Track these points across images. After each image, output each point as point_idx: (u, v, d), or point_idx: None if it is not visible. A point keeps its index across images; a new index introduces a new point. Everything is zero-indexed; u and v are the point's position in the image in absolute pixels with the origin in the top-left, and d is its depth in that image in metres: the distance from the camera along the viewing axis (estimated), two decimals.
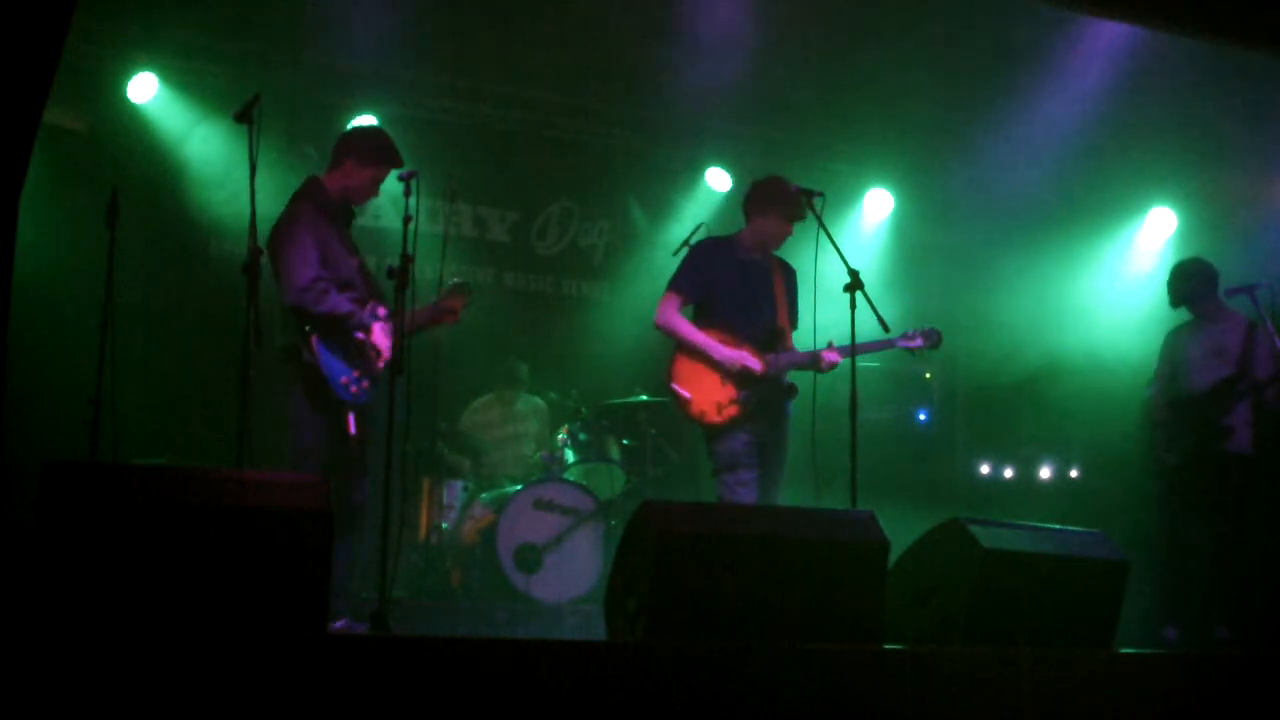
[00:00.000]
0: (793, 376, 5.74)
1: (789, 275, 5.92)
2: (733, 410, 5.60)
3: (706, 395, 5.64)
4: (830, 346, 5.63)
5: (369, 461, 5.40)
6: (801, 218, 5.70)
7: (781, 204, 5.75)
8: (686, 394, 5.67)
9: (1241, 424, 6.57)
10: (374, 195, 5.55)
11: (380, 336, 5.32)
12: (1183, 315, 6.91)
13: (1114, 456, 8.16)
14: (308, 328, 5.18)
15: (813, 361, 5.65)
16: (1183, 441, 6.64)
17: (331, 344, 5.23)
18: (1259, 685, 4.28)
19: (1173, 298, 6.88)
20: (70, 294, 6.58)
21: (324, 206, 5.41)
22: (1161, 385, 6.91)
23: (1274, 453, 6.63)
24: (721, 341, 5.66)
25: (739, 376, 5.61)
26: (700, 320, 5.78)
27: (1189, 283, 6.82)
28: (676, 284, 5.79)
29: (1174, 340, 6.94)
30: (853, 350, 5.33)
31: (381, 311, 5.39)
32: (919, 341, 5.75)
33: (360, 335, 5.28)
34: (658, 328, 5.78)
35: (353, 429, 5.23)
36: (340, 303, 5.24)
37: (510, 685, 3.28)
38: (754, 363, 5.61)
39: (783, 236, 5.82)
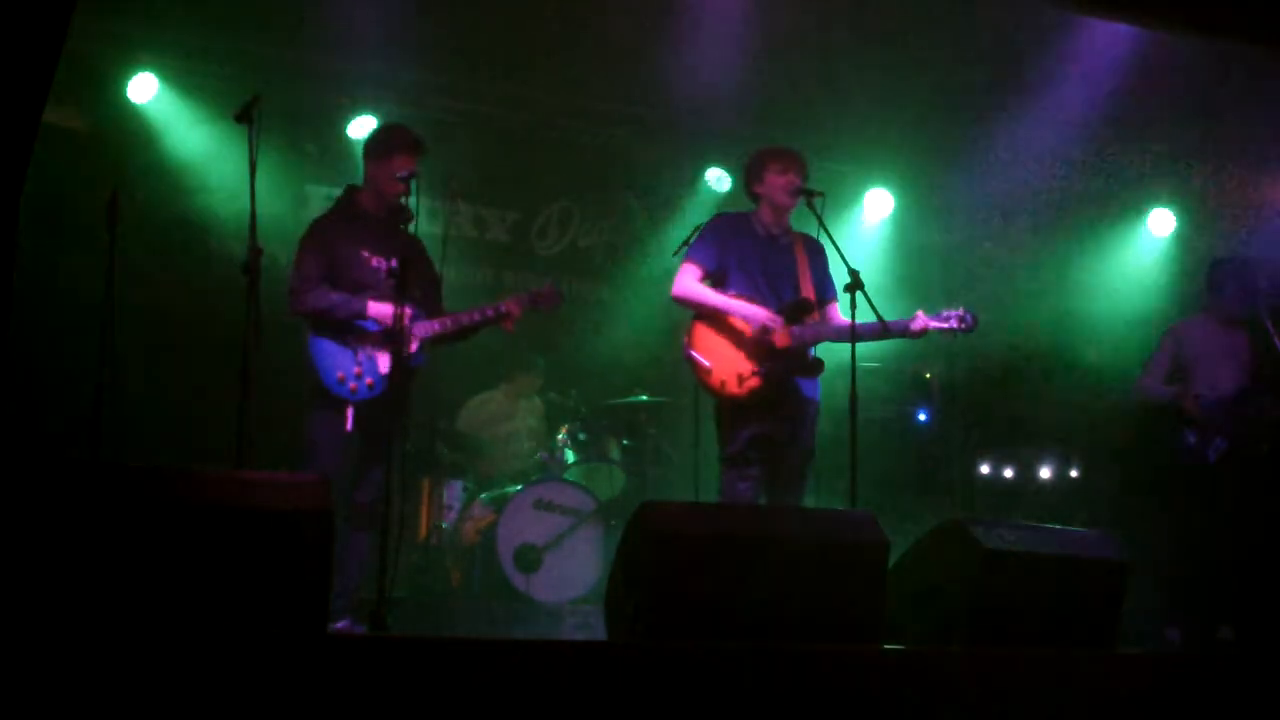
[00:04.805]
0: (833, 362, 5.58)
1: (814, 250, 5.73)
2: (755, 382, 5.40)
3: (728, 365, 5.46)
4: (918, 316, 5.41)
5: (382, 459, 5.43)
6: (793, 157, 5.61)
7: (768, 159, 5.66)
8: (706, 362, 5.48)
9: (1263, 428, 6.52)
10: (400, 188, 5.30)
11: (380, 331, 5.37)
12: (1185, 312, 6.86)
13: (1114, 456, 8.15)
14: (307, 327, 5.37)
15: (883, 331, 5.32)
16: (1216, 442, 6.53)
17: (329, 342, 5.35)
18: (1259, 685, 4.28)
19: (1212, 296, 6.72)
20: (70, 294, 6.57)
21: (347, 213, 5.54)
22: (1157, 378, 6.78)
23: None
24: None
25: (758, 343, 5.42)
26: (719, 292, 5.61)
27: (1229, 285, 6.68)
28: (693, 255, 5.64)
29: (1182, 335, 6.75)
30: (852, 338, 5.23)
31: (408, 312, 5.42)
32: (953, 322, 5.40)
33: (366, 325, 5.35)
34: (675, 299, 5.62)
35: (349, 425, 5.26)
36: (320, 298, 5.35)
37: (510, 685, 3.28)
38: (777, 323, 5.41)
39: (789, 188, 5.57)
